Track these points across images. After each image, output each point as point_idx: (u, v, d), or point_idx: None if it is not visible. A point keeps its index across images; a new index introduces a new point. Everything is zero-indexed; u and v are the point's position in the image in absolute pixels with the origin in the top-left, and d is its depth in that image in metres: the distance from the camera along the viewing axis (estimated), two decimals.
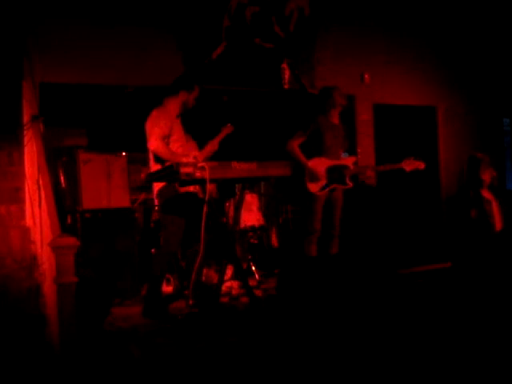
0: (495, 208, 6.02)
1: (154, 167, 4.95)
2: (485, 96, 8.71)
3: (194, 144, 5.34)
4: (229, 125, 5.60)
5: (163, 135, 4.93)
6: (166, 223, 5.07)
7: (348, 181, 5.73)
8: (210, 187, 4.68)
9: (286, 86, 7.12)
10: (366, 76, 7.72)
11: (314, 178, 5.64)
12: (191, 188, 5.07)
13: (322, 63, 7.40)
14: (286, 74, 7.10)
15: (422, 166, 5.68)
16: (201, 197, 4.96)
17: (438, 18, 8.26)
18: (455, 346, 4.02)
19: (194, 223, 4.83)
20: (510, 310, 4.82)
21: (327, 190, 5.67)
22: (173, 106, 5.16)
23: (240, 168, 4.71)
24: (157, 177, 4.96)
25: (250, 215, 6.55)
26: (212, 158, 5.36)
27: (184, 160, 4.71)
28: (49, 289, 4.21)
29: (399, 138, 8.08)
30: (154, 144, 4.91)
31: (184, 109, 5.21)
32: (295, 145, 5.68)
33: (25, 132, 5.00)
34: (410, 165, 5.68)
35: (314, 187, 5.66)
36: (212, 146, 5.48)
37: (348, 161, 5.84)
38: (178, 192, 4.92)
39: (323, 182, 5.67)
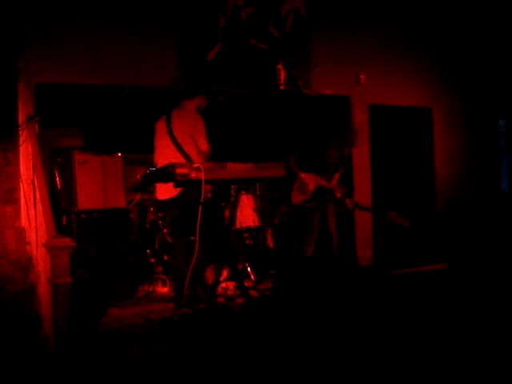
0: None
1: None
2: (480, 98, 8.72)
3: None
4: None
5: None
6: None
7: (328, 204, 5.85)
8: (207, 188, 4.70)
9: (281, 87, 7.11)
10: (362, 77, 7.72)
11: (303, 190, 5.78)
12: None
13: (317, 64, 7.40)
14: (282, 75, 7.09)
15: (407, 224, 5.83)
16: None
17: (433, 19, 8.27)
18: (450, 344, 4.04)
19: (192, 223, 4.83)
20: (506, 309, 4.84)
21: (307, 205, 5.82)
22: (192, 108, 5.32)
23: (235, 169, 4.72)
24: (152, 178, 4.97)
25: (246, 216, 6.56)
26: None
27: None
28: (44, 289, 4.21)
29: (395, 139, 8.09)
30: (207, 144, 5.19)
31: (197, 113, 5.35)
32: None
33: (20, 132, 5.00)
34: (395, 219, 5.81)
35: (297, 198, 5.82)
36: None
37: (335, 185, 5.95)
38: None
39: (307, 197, 5.79)
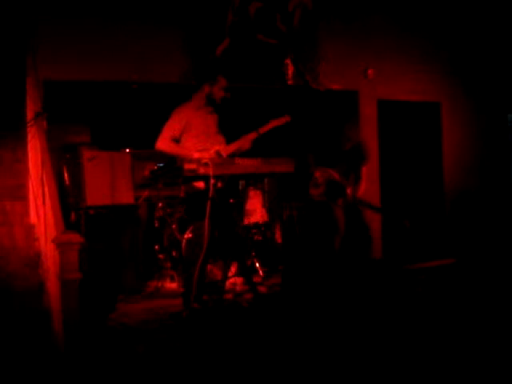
0: None
1: None
2: (489, 92, 8.67)
3: (220, 138, 5.22)
4: (286, 115, 5.44)
5: (171, 135, 4.96)
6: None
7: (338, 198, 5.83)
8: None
9: (289, 82, 7.10)
10: (370, 71, 7.69)
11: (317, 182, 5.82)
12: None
13: (325, 59, 7.38)
14: (290, 70, 7.08)
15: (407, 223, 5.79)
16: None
17: (442, 14, 8.23)
18: (459, 339, 4.02)
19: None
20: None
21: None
22: (196, 100, 5.19)
23: (244, 164, 4.71)
24: (161, 173, 4.98)
25: (254, 212, 6.56)
26: None
27: (195, 156, 4.73)
28: (53, 285, 4.21)
29: (403, 134, 8.06)
30: (157, 144, 4.97)
31: (210, 101, 5.16)
32: None
33: (28, 129, 5.00)
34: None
35: (312, 192, 5.87)
36: (243, 141, 5.24)
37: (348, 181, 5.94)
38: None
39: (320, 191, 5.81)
